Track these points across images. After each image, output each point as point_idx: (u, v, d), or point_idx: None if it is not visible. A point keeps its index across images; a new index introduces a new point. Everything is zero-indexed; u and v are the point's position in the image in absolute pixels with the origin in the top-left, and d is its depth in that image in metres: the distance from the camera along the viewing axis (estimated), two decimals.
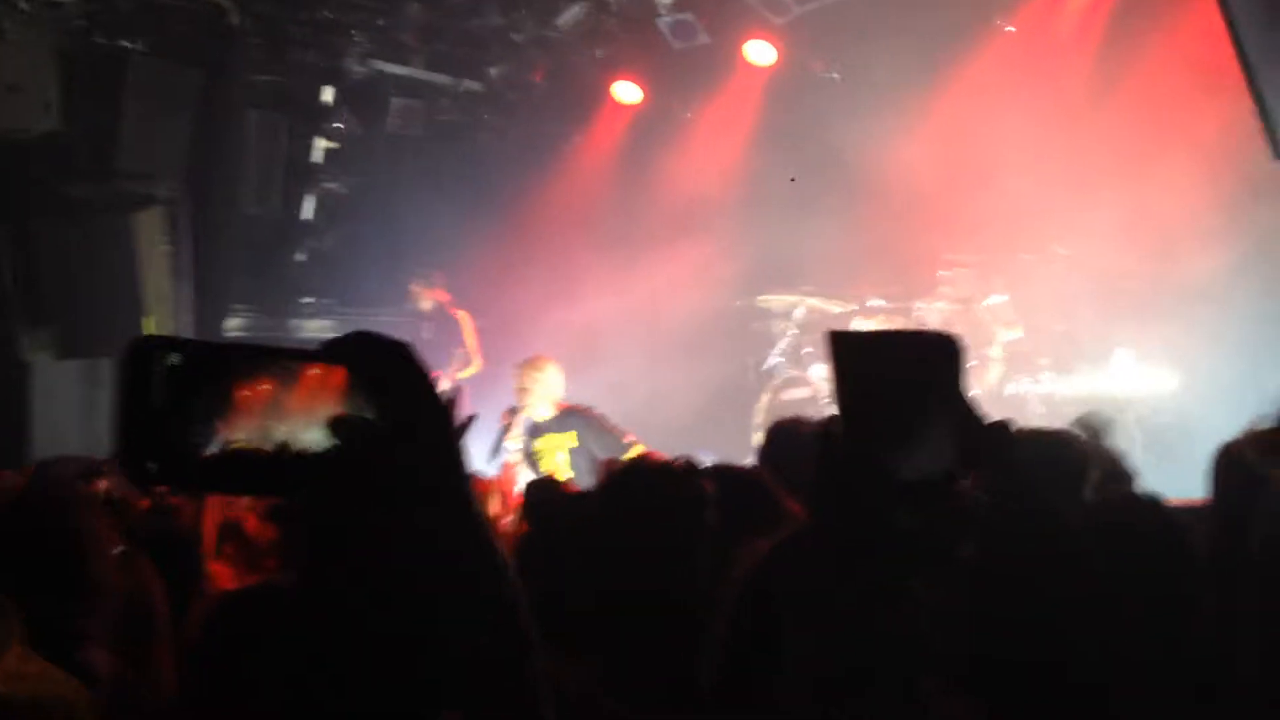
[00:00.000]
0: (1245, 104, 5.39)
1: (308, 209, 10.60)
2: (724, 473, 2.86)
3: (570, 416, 7.52)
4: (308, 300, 10.73)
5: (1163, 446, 8.09)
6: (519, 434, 7.58)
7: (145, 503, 4.12)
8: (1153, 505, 2.38)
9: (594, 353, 9.30)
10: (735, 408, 9.74)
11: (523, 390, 7.57)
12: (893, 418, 1.06)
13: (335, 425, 0.96)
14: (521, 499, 4.25)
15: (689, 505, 2.50)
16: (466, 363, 9.85)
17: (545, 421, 7.55)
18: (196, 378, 0.96)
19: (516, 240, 10.27)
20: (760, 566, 2.12)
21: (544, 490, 3.85)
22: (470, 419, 3.60)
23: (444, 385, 4.16)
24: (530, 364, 7.65)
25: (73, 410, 9.20)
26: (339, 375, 0.98)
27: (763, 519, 2.68)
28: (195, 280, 9.74)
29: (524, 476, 7.15)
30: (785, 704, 1.15)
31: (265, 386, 0.97)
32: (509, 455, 7.51)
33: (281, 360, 0.98)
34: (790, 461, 3.44)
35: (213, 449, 0.95)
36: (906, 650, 1.10)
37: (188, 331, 9.42)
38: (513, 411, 7.62)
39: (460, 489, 1.00)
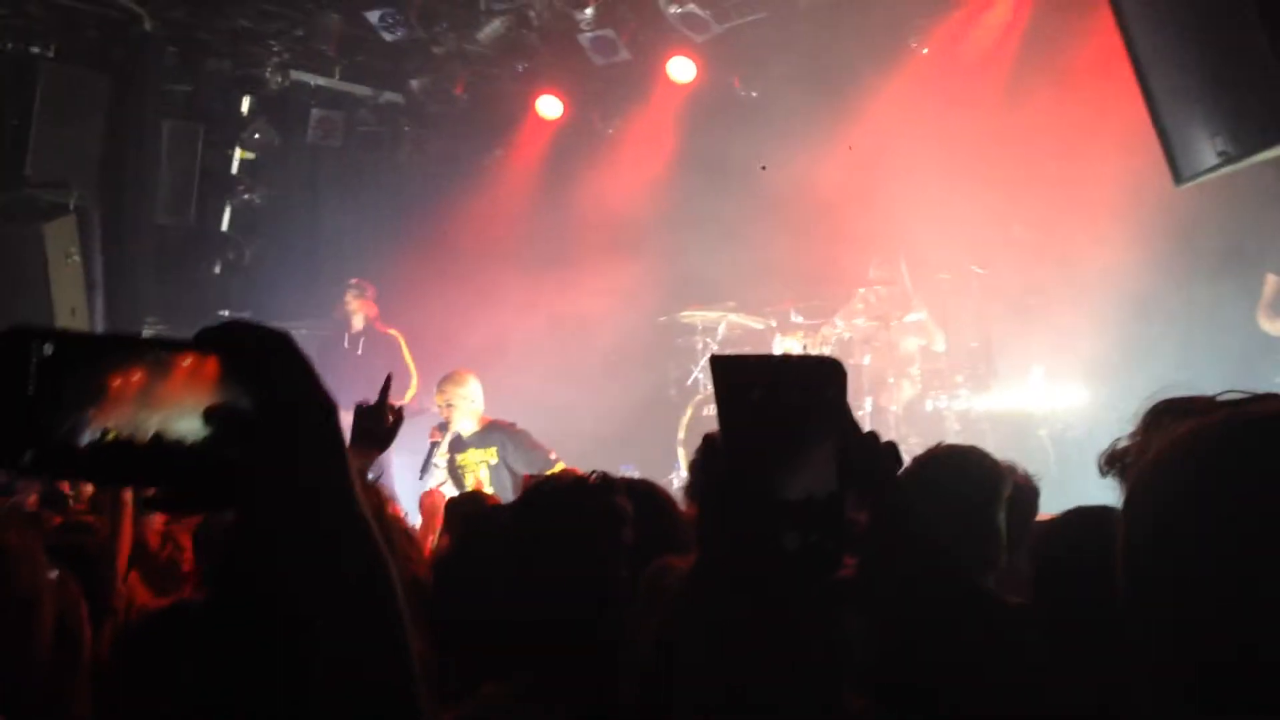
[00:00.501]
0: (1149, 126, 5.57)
1: (224, 220, 10.47)
2: (637, 489, 2.86)
3: (493, 431, 7.52)
4: (224, 313, 10.53)
5: (1074, 462, 8.31)
6: (445, 450, 7.59)
7: (58, 519, 4.06)
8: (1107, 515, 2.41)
9: (516, 368, 9.29)
10: (659, 422, 9.78)
11: (448, 406, 7.57)
12: (775, 440, 1.08)
13: (209, 415, 0.94)
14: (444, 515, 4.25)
15: (605, 522, 2.49)
16: (406, 385, 9.63)
17: (469, 436, 7.56)
18: (69, 366, 0.95)
19: (438, 254, 10.21)
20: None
21: (467, 505, 3.84)
22: (399, 415, 3.52)
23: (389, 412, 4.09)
24: (451, 379, 7.66)
25: None
26: (213, 364, 0.96)
27: (675, 538, 2.77)
28: (107, 291, 9.55)
29: (449, 492, 7.17)
30: None
31: (138, 375, 0.96)
32: (439, 472, 7.48)
33: (156, 349, 0.97)
34: None
35: (84, 438, 0.94)
36: (808, 670, 1.12)
37: None
38: (442, 428, 7.61)
39: (342, 483, 0.96)
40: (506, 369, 8.43)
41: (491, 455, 7.43)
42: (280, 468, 0.94)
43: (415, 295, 10.08)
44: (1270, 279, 7.93)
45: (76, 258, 8.95)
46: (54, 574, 2.54)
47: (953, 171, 8.89)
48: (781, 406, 1.08)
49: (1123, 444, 1.18)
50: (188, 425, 0.95)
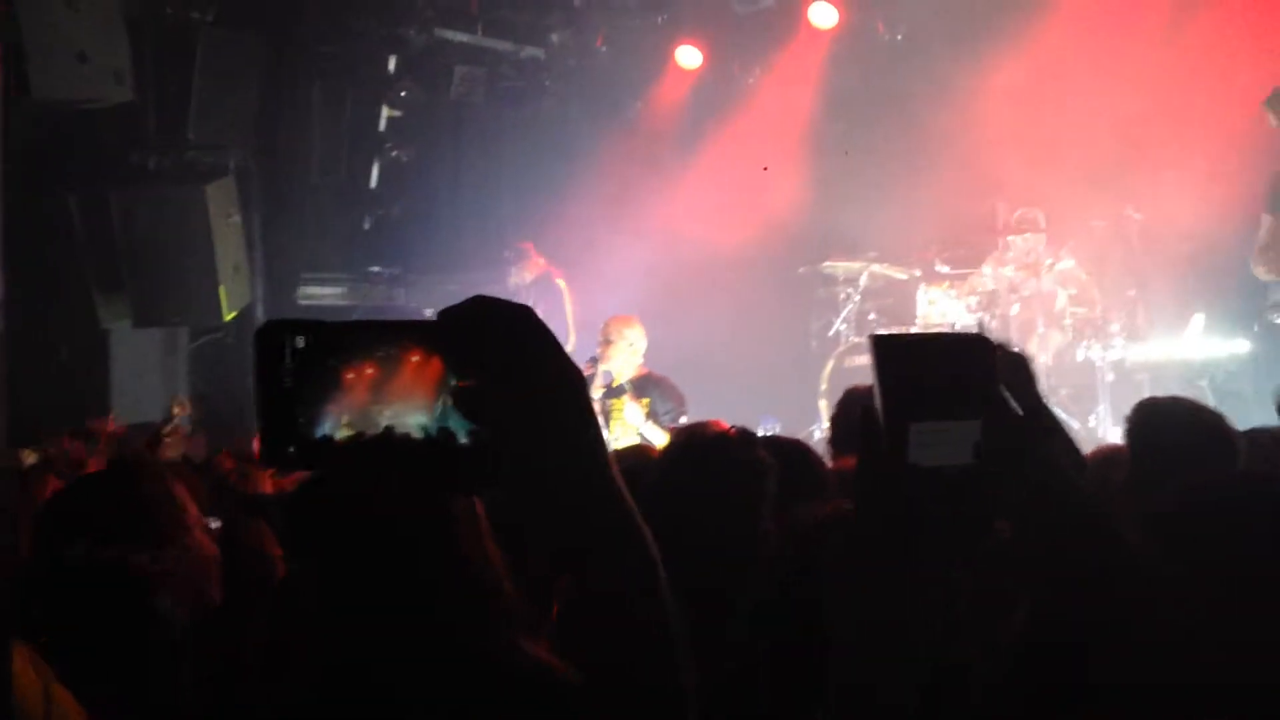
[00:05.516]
0: None
1: (373, 177, 10.75)
2: (782, 446, 2.90)
3: (648, 383, 7.66)
4: (375, 269, 10.85)
5: (1237, 415, 7.97)
6: (600, 385, 7.70)
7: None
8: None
9: (654, 320, 9.29)
10: (799, 374, 9.75)
11: (607, 343, 7.73)
12: (928, 414, 1.15)
13: (459, 396, 0.97)
14: None
15: (749, 475, 2.50)
16: (565, 341, 9.48)
17: (625, 383, 7.68)
18: (317, 360, 0.99)
19: (578, 209, 10.30)
20: (804, 543, 2.13)
21: (626, 460, 3.83)
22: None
23: None
24: (617, 319, 7.86)
25: (152, 376, 9.46)
26: (438, 362, 0.99)
27: (810, 491, 2.77)
28: (266, 249, 9.97)
29: None
30: (833, 680, 1.25)
31: (370, 370, 0.99)
32: (594, 403, 7.53)
33: (391, 339, 1.00)
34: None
35: (321, 431, 0.98)
36: (943, 629, 1.22)
37: (260, 300, 9.73)
38: (593, 362, 7.73)
39: (604, 475, 0.97)
40: (645, 322, 8.46)
41: (645, 405, 7.52)
42: (546, 448, 0.94)
43: (552, 251, 10.14)
44: (1265, 219, 7.47)
45: (237, 218, 9.31)
46: (215, 523, 2.71)
47: (1107, 111, 8.62)
48: (934, 383, 1.16)
49: None
50: (416, 418, 0.98)
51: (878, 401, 1.17)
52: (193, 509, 2.61)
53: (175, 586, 2.17)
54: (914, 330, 8.85)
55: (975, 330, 8.73)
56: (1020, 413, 1.22)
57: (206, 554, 2.51)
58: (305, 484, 1.46)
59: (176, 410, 7.16)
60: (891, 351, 1.18)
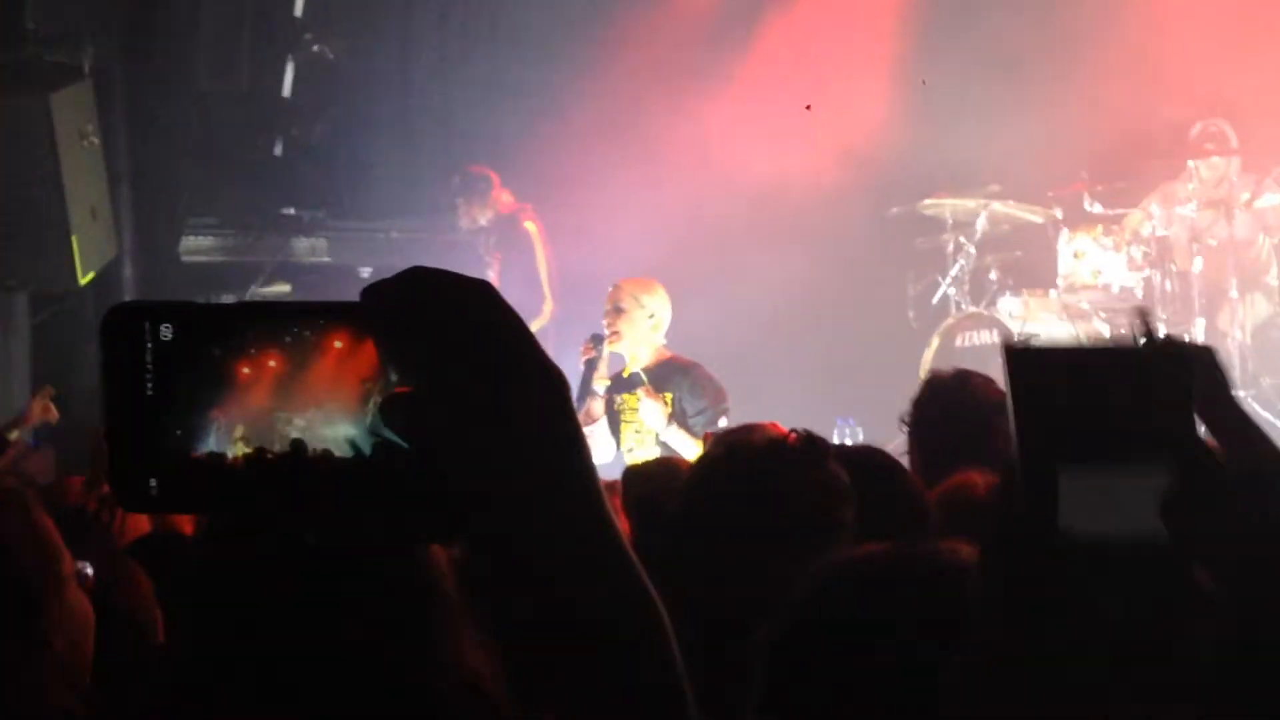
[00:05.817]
0: None
1: (286, 82, 10.75)
2: (850, 457, 2.89)
3: (671, 371, 7.64)
4: (289, 211, 10.85)
5: None
6: (606, 375, 7.75)
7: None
8: None
9: (688, 280, 9.24)
10: (890, 358, 9.68)
11: (617, 312, 7.69)
12: (1091, 465, 1.10)
13: (388, 408, 0.96)
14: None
15: (817, 499, 2.52)
16: (536, 307, 9.50)
17: (640, 371, 7.67)
18: (192, 353, 0.99)
19: (578, 124, 10.29)
20: (917, 593, 2.06)
21: (648, 477, 3.90)
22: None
23: None
24: (636, 282, 7.83)
25: None
26: (371, 347, 0.99)
27: (904, 526, 2.75)
28: (136, 184, 9.93)
29: (603, 436, 7.49)
30: None
31: (273, 361, 0.99)
32: (597, 404, 7.66)
33: (300, 321, 1.00)
34: (950, 438, 3.65)
35: (203, 447, 0.98)
36: None
37: (128, 255, 9.74)
38: (597, 342, 7.72)
39: (593, 518, 0.98)
40: (675, 282, 8.41)
41: (668, 402, 7.51)
42: (510, 483, 0.96)
43: (546, 182, 10.18)
44: None
45: (95, 139, 9.26)
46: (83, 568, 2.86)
47: None
48: (1098, 411, 1.11)
49: None
50: (341, 429, 0.99)
51: (1014, 438, 1.12)
52: (67, 553, 2.64)
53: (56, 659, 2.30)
54: (1055, 292, 9.07)
55: (1138, 294, 8.78)
56: (1220, 454, 1.21)
57: (85, 614, 2.58)
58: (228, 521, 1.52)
59: (38, 410, 7.19)
60: (1035, 365, 1.15)
